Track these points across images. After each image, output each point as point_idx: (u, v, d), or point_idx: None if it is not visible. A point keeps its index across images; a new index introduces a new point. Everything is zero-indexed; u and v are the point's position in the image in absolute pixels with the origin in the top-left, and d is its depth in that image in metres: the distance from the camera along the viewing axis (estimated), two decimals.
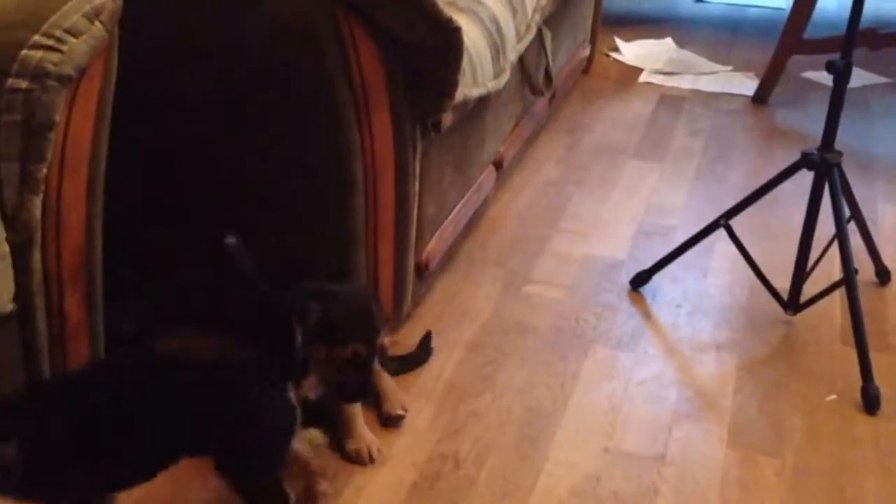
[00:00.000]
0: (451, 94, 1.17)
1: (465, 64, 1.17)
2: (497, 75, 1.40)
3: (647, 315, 1.43)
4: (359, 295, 0.99)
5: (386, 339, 0.94)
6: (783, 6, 2.87)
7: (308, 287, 0.94)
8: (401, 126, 1.14)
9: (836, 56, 1.28)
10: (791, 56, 2.25)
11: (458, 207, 1.45)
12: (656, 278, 1.49)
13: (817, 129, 1.36)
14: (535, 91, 1.76)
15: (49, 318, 0.90)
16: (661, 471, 1.10)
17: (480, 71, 1.32)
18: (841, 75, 1.27)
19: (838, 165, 1.33)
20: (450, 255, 1.49)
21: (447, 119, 1.24)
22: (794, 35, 2.23)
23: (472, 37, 1.32)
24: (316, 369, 0.91)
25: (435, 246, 1.35)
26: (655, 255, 1.50)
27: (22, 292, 0.87)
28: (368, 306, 0.96)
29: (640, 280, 1.49)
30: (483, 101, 1.40)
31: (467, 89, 1.26)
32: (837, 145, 1.33)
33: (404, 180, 1.17)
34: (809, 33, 2.25)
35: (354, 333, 0.92)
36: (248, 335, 0.87)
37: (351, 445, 1.06)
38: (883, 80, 2.47)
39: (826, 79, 1.33)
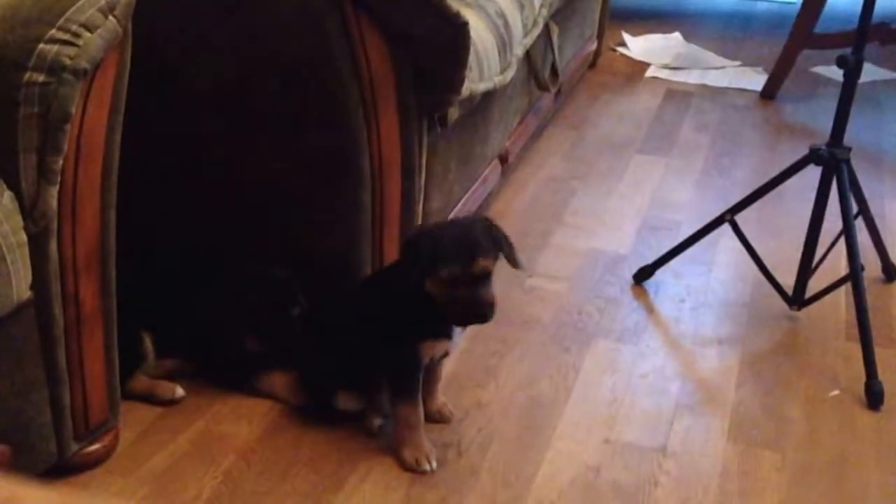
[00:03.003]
0: (457, 89, 1.18)
1: (471, 59, 1.18)
2: (503, 70, 1.41)
3: (649, 309, 1.43)
4: (466, 225, 1.08)
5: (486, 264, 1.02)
6: (794, 0, 2.85)
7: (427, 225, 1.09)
8: (407, 120, 1.15)
9: (847, 51, 1.27)
10: (801, 51, 2.23)
11: (463, 201, 1.46)
12: (660, 273, 1.49)
13: (826, 125, 1.36)
14: (542, 86, 1.76)
15: (65, 305, 0.93)
16: (662, 462, 1.11)
17: (487, 65, 1.33)
18: (851, 70, 1.27)
19: (847, 161, 1.32)
20: None
21: (453, 113, 1.25)
22: (804, 29, 2.21)
23: (479, 31, 1.33)
24: (431, 294, 1.03)
25: None
26: (659, 249, 1.51)
27: (39, 280, 0.89)
28: (469, 233, 1.05)
29: (643, 274, 1.49)
30: (489, 96, 1.41)
31: (474, 84, 1.27)
32: (846, 141, 1.32)
33: (410, 174, 1.18)
34: (820, 28, 2.23)
35: (452, 258, 1.01)
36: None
37: (409, 454, 1.06)
38: (894, 75, 2.45)
39: (836, 74, 1.33)
